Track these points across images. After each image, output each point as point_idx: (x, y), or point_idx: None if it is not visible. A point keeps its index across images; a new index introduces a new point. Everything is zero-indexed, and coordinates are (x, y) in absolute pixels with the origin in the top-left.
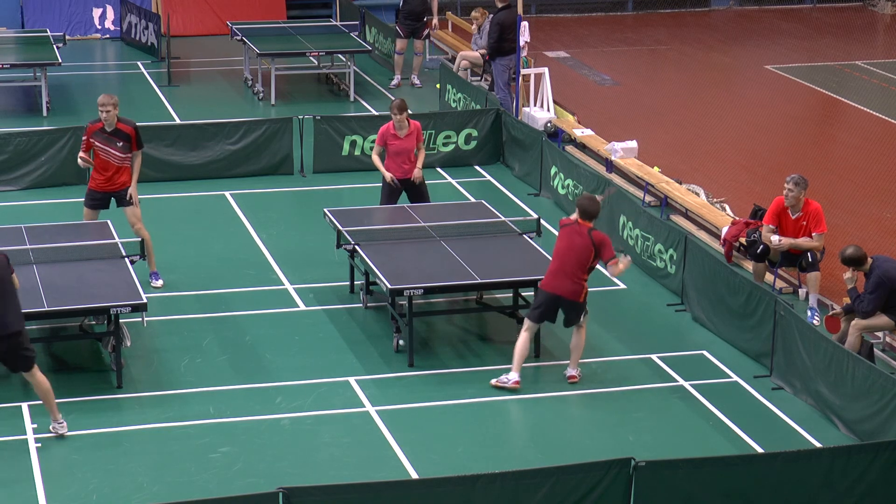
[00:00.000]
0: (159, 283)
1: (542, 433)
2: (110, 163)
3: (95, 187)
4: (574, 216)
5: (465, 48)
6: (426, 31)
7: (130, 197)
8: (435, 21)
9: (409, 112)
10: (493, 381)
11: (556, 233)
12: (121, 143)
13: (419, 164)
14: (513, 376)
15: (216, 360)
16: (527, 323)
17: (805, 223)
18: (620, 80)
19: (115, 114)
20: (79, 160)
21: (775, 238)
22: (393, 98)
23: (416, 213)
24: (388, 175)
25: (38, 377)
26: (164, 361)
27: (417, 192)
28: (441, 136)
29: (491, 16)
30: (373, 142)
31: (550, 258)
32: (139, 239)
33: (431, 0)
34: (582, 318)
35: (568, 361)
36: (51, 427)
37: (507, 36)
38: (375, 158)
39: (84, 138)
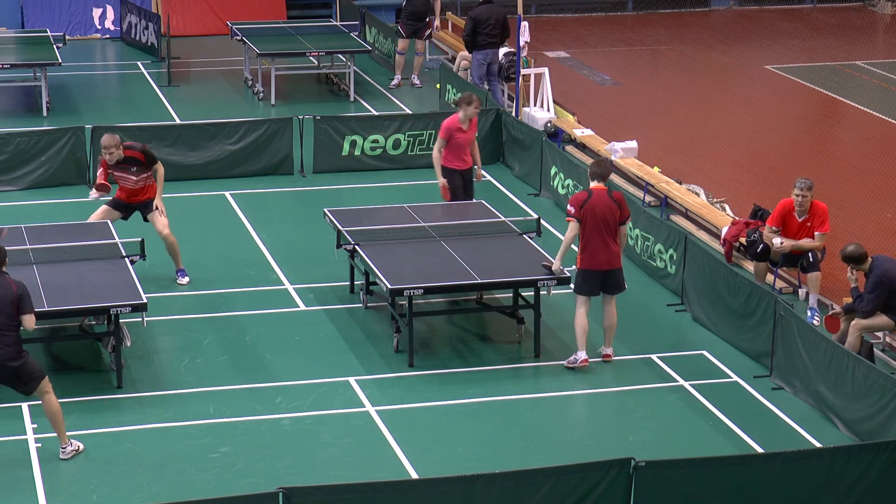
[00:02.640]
0: (185, 280)
1: (542, 433)
2: (129, 187)
3: (121, 198)
4: (595, 184)
5: (464, 48)
6: (428, 32)
7: (157, 207)
8: (437, 22)
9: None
10: (566, 363)
11: (557, 232)
12: (134, 168)
13: (479, 161)
14: (581, 355)
15: (216, 360)
16: (581, 298)
17: (810, 224)
18: (620, 80)
19: (119, 153)
20: (92, 194)
21: (777, 240)
22: (398, 102)
23: (416, 213)
24: (442, 181)
25: (46, 399)
26: (164, 361)
27: (469, 183)
28: None
29: None
30: (373, 142)
31: (550, 257)
32: (139, 239)
33: (434, 0)
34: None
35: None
36: (60, 452)
37: (480, 30)
38: (437, 157)
39: (100, 170)
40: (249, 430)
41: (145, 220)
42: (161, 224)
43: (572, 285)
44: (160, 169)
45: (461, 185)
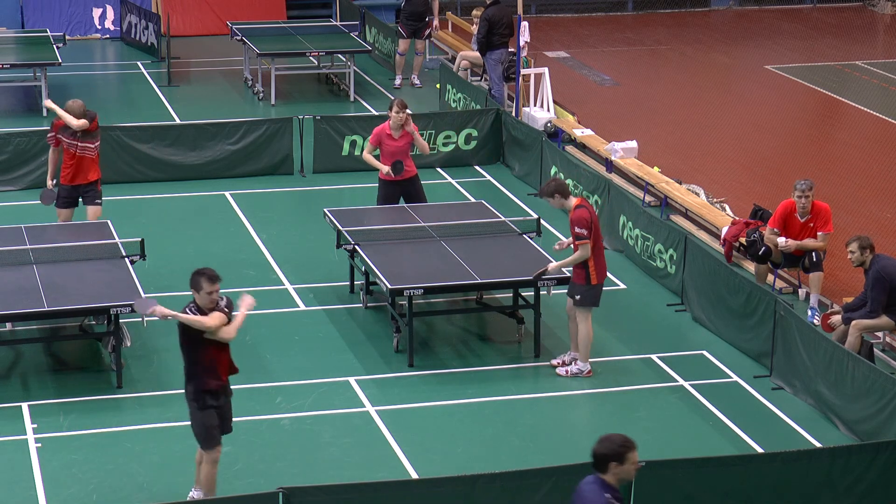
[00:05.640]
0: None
1: (542, 433)
2: (72, 153)
3: (63, 181)
4: (572, 202)
5: (465, 48)
6: (428, 32)
7: (92, 192)
8: (436, 22)
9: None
10: (563, 371)
11: (557, 232)
12: (79, 133)
13: (419, 142)
14: (587, 366)
15: None
16: (589, 312)
17: (812, 225)
18: (620, 80)
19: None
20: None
21: (782, 240)
22: (394, 98)
23: (416, 213)
24: (384, 168)
25: (202, 465)
26: (164, 361)
27: (414, 193)
28: (441, 136)
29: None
30: None
31: (550, 257)
32: (139, 239)
33: (433, 0)
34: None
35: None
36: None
37: (495, 31)
38: (368, 157)
39: (51, 134)
40: (249, 430)
41: (83, 202)
42: (94, 216)
43: (578, 297)
44: (94, 137)
45: (396, 196)
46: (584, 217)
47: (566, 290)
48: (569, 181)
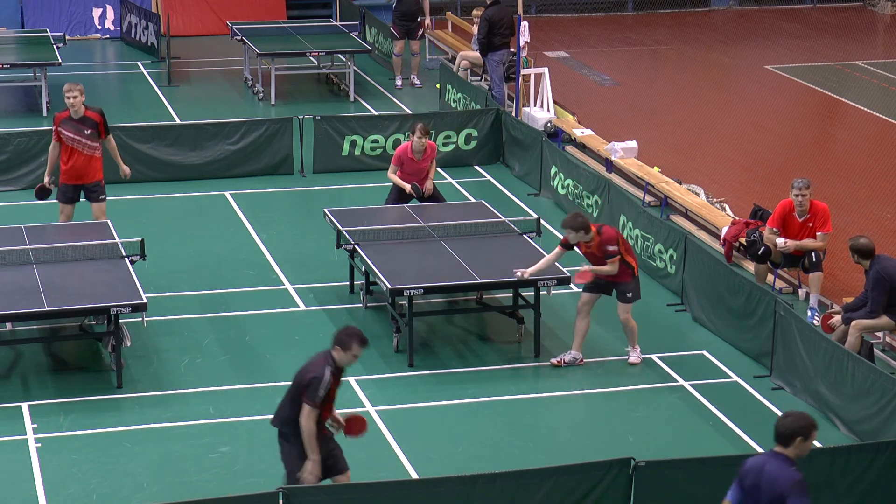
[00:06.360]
0: None
1: (542, 433)
2: (79, 152)
3: (66, 180)
4: (592, 232)
5: (465, 48)
6: (420, 32)
7: (126, 175)
8: (427, 21)
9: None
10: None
11: (556, 232)
12: (89, 131)
13: (431, 175)
14: (578, 355)
15: (216, 360)
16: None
17: (811, 224)
18: (620, 80)
19: (82, 100)
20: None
21: (780, 240)
22: (398, 102)
23: (416, 213)
24: (408, 186)
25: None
26: (164, 361)
27: (432, 199)
28: (441, 136)
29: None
30: (373, 142)
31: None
32: (139, 239)
33: (423, 0)
34: None
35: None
36: None
37: (496, 31)
38: (392, 176)
39: (54, 128)
40: (249, 430)
41: (88, 199)
42: (99, 211)
43: (629, 294)
44: (113, 141)
45: (407, 202)
46: (613, 235)
47: (567, 290)
48: (569, 181)
